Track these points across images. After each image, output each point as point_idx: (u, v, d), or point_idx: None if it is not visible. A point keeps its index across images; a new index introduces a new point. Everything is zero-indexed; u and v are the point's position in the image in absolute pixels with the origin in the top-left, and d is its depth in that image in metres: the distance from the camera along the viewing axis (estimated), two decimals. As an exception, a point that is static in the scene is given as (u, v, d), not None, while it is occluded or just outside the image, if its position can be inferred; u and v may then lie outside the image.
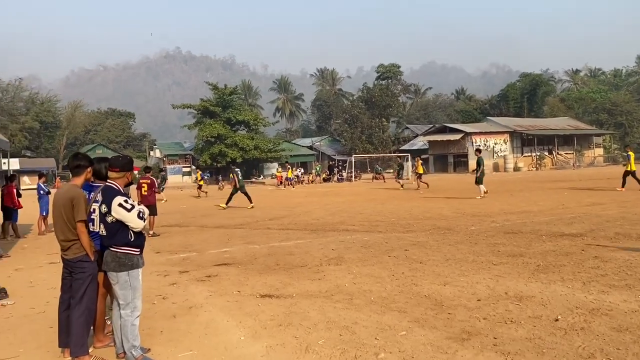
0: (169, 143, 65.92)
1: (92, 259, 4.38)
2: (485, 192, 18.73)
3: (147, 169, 13.91)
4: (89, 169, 4.62)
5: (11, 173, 14.27)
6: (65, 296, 4.50)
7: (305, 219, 14.60)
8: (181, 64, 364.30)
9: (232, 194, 19.87)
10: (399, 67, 75.54)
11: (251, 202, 19.09)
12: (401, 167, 30.17)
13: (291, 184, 37.36)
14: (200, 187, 30.56)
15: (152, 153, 62.47)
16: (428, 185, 26.07)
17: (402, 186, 27.28)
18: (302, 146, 63.96)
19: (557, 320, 4.76)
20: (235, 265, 8.10)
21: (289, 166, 40.48)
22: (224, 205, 19.53)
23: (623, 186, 18.77)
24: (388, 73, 74.14)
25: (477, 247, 8.81)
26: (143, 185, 12.85)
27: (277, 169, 41.65)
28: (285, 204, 20.95)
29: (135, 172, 8.58)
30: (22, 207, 13.41)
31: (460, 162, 51.75)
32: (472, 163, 49.15)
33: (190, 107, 51.90)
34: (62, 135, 65.27)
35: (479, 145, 45.58)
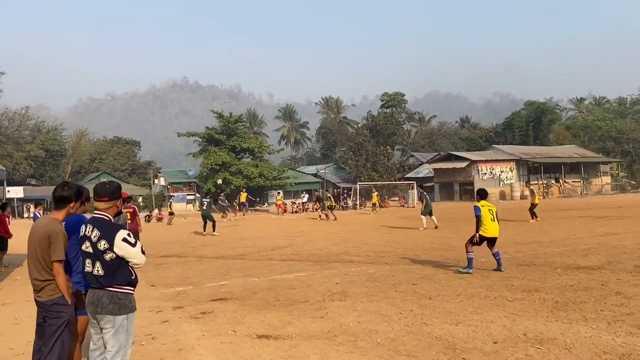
0: (174, 171, 65.75)
1: (69, 302, 3.95)
2: (435, 226, 19.09)
3: (127, 199, 13.45)
4: (72, 204, 4.21)
5: (3, 202, 14.01)
6: (40, 342, 4.06)
7: (308, 249, 14.12)
8: (188, 93, 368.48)
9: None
10: (403, 95, 75.59)
11: (213, 230, 20.40)
12: (321, 199, 30.59)
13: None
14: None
15: (156, 181, 62.28)
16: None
17: (322, 218, 28.00)
18: (307, 174, 63.63)
19: (585, 368, 4.28)
20: (233, 301, 7.62)
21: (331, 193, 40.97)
22: (217, 234, 20.37)
23: (534, 217, 20.09)
24: (392, 101, 74.17)
25: (489, 281, 8.33)
26: (126, 214, 12.44)
27: (278, 197, 41.09)
28: (287, 232, 20.48)
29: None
30: (11, 236, 13.01)
31: (467, 191, 51.18)
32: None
33: (196, 135, 51.86)
34: (67, 163, 65.30)
35: (424, 185, 45.23)
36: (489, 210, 9.24)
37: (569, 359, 4.51)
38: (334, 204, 29.09)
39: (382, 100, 76.16)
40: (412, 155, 71.22)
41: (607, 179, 57.09)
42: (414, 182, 46.10)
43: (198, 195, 53.39)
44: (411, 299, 7.23)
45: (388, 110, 72.85)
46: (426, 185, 49.84)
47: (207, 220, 20.68)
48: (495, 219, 9.24)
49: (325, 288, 8.27)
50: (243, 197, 35.25)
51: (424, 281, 8.52)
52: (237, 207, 33.19)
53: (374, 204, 35.86)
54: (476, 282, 8.25)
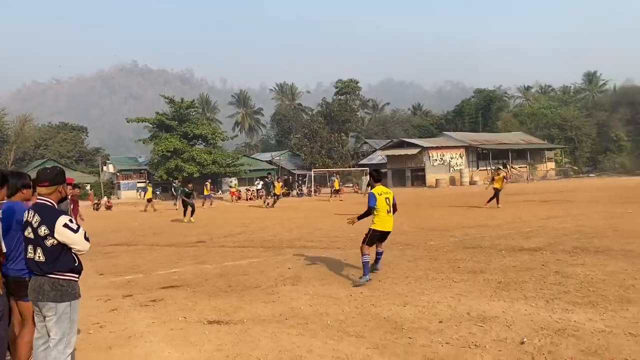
0: (123, 158, 64.09)
1: (1, 291, 3.82)
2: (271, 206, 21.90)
3: (75, 185, 13.04)
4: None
5: None
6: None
7: (262, 236, 14.12)
8: (138, 77, 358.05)
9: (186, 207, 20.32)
10: (357, 82, 76.00)
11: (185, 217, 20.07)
12: (268, 185, 28.89)
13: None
14: (150, 200, 29.90)
15: (105, 168, 60.48)
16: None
17: (266, 205, 27.18)
18: (262, 160, 63.30)
19: (522, 343, 4.50)
20: (184, 288, 7.56)
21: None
22: (190, 219, 19.96)
23: (497, 203, 19.63)
24: (347, 88, 74.50)
25: (436, 263, 8.58)
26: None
27: (231, 184, 40.52)
28: (242, 219, 20.39)
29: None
30: None
31: (418, 177, 52.26)
32: (430, 177, 49.83)
33: (146, 121, 50.53)
34: (10, 150, 62.45)
35: (372, 170, 46.20)
36: (386, 199, 7.49)
37: (509, 335, 4.73)
38: (279, 192, 28.11)
39: (336, 88, 76.34)
40: (365, 142, 71.97)
41: (551, 165, 59.43)
42: (368, 168, 46.62)
43: (149, 182, 52.31)
44: (362, 282, 7.37)
45: (342, 98, 73.13)
46: (382, 171, 50.58)
47: (188, 206, 20.16)
48: (392, 210, 7.60)
49: (278, 273, 8.31)
50: (208, 187, 34.61)
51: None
52: (205, 197, 32.57)
53: (336, 190, 35.27)
54: (424, 265, 8.49)
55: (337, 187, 35.37)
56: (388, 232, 7.70)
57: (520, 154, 56.29)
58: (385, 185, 8.05)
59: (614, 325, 4.89)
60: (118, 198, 50.75)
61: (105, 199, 38.51)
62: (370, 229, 7.52)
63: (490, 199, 19.89)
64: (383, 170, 54.19)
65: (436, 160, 51.51)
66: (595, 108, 71.92)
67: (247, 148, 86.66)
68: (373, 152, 64.40)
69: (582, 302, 5.75)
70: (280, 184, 30.25)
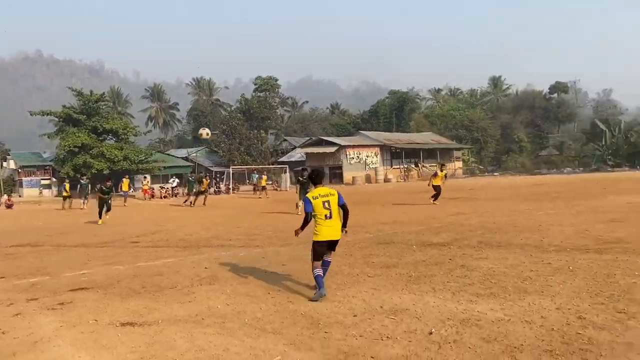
0: (26, 153, 59.78)
1: None
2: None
3: None
4: None
5: None
6: None
7: (178, 235, 13.81)
8: (42, 67, 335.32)
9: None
10: (276, 80, 76.07)
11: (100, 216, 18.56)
12: (192, 183, 28.64)
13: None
14: (65, 198, 28.28)
15: (5, 164, 56.21)
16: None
17: (190, 204, 26.03)
18: (177, 157, 61.58)
19: (430, 333, 4.78)
20: (95, 290, 7.27)
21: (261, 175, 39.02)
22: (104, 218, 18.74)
23: (432, 199, 20.07)
24: (266, 85, 74.32)
25: (351, 259, 8.84)
26: None
27: (144, 182, 38.96)
28: (157, 218, 19.79)
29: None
30: None
31: (336, 174, 53.16)
32: (347, 175, 50.88)
33: (51, 114, 47.52)
34: None
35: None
36: (325, 203, 6.42)
37: (418, 327, 5.00)
38: (205, 188, 26.99)
39: (255, 84, 75.86)
40: (285, 140, 72.12)
41: (459, 164, 62.64)
42: (287, 165, 46.83)
43: (54, 179, 49.33)
44: (280, 279, 7.45)
45: (262, 95, 72.84)
46: (299, 169, 50.81)
47: (104, 205, 18.72)
48: (332, 215, 6.43)
49: (194, 273, 8.20)
50: (125, 184, 32.96)
51: (293, 262, 8.79)
52: (124, 195, 30.99)
53: (263, 187, 35.19)
54: (340, 260, 8.70)
55: (264, 184, 35.44)
56: (334, 242, 6.55)
57: (430, 153, 58.84)
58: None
59: (512, 314, 5.30)
60: (20, 196, 47.36)
61: (5, 197, 35.84)
62: (312, 242, 6.51)
63: (436, 196, 20.14)
64: (301, 168, 54.70)
65: (353, 158, 52.65)
66: (500, 111, 76.76)
67: (162, 144, 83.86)
68: (292, 149, 64.68)
69: (485, 293, 6.18)
70: (208, 181, 29.10)
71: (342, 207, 6.60)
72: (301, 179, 18.76)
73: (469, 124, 66.97)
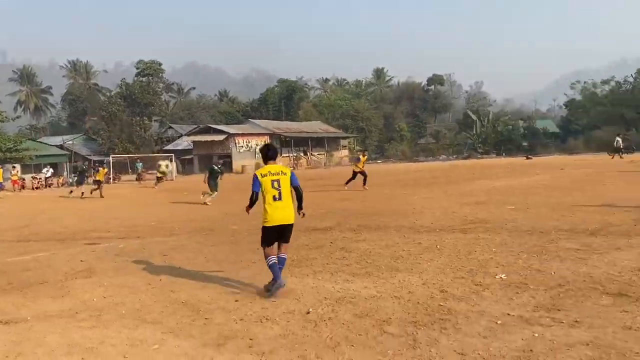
0: None
1: None
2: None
3: None
4: None
5: None
6: None
7: (51, 228, 12.94)
8: None
9: None
10: (160, 64, 73.04)
11: None
12: (83, 173, 27.39)
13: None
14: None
15: None
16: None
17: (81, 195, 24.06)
18: (51, 145, 57.06)
19: (308, 313, 5.01)
20: (-49, 290, 6.65)
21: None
22: None
23: (364, 184, 20.72)
24: (149, 70, 71.04)
25: (238, 247, 8.90)
26: None
27: (13, 172, 35.67)
28: (28, 211, 18.31)
29: None
30: None
31: (225, 163, 52.43)
32: (237, 164, 50.45)
33: None
34: None
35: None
36: (274, 182, 5.71)
37: (297, 307, 5.22)
38: (102, 178, 24.38)
39: (137, 68, 72.33)
40: (170, 127, 69.69)
41: (345, 152, 64.71)
42: (172, 154, 45.32)
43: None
44: (161, 269, 7.32)
45: (144, 79, 69.60)
46: (185, 157, 49.44)
47: None
48: (282, 196, 5.72)
49: (69, 267, 7.79)
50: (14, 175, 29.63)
51: (175, 252, 8.67)
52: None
53: (158, 178, 31.02)
54: (226, 249, 8.74)
55: (160, 174, 32.28)
56: (285, 227, 5.82)
57: (319, 142, 60.16)
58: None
59: (384, 290, 5.71)
60: None
61: None
62: (261, 228, 5.88)
63: (364, 180, 20.02)
64: (189, 157, 53.25)
65: (242, 146, 52.28)
66: (383, 101, 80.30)
67: (33, 131, 77.19)
68: (179, 137, 62.71)
69: (361, 272, 6.57)
70: (105, 170, 26.39)
71: (296, 189, 5.91)
72: (216, 167, 18.52)
73: (355, 114, 69.29)
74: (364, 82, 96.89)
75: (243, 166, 49.10)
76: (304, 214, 6.12)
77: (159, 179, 29.74)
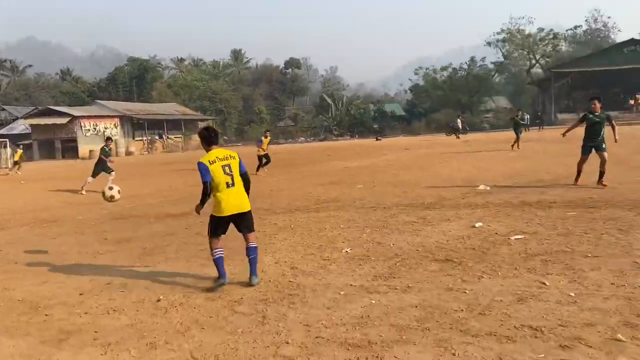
0: None
1: None
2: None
3: None
4: None
5: None
6: None
7: None
8: None
9: None
10: (-12, 38, 64.77)
11: None
12: None
13: None
14: None
15: None
16: None
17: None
18: None
19: (159, 300, 4.94)
20: None
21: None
22: None
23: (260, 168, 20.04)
24: (-27, 44, 62.64)
25: (83, 238, 8.41)
26: None
27: None
28: None
29: None
30: None
31: (69, 148, 48.42)
32: (83, 149, 46.80)
33: None
34: None
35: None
36: (225, 167, 5.20)
37: (147, 296, 5.10)
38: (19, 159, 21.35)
39: (-43, 42, 63.31)
40: (3, 109, 62.39)
41: (204, 135, 63.31)
42: (7, 139, 40.65)
43: None
44: (-7, 267, 6.68)
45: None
46: (22, 143, 44.65)
47: None
48: (234, 182, 5.23)
49: None
50: None
51: (10, 246, 7.95)
52: None
53: (16, 162, 28.51)
54: (71, 240, 8.21)
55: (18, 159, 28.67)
56: (242, 215, 5.31)
57: (175, 125, 58.04)
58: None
59: (237, 272, 5.79)
60: None
61: None
62: (210, 215, 5.41)
63: (265, 163, 19.05)
64: (27, 142, 48.19)
65: (89, 130, 48.67)
66: (241, 83, 79.67)
67: None
68: (14, 120, 56.39)
69: (176, 257, 6.59)
70: (21, 151, 23.31)
71: (243, 176, 5.35)
72: (107, 148, 16.40)
73: (213, 95, 67.92)
74: (221, 63, 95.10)
75: (90, 151, 45.73)
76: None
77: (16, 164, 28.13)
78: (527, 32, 61.86)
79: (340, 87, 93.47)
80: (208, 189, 5.17)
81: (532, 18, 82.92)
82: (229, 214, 5.22)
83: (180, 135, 57.73)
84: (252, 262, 5.34)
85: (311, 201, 10.91)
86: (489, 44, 63.24)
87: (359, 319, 4.12)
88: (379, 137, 47.10)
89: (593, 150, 10.15)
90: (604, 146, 10.05)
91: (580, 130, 10.62)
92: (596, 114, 10.09)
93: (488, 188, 10.87)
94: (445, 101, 60.38)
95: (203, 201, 5.30)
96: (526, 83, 63.83)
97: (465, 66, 64.12)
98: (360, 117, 65.42)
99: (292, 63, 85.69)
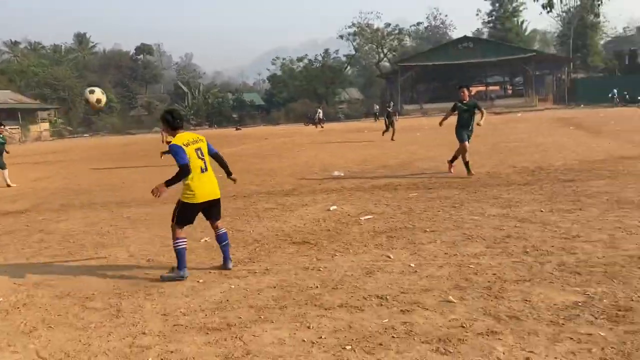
0: None
1: None
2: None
3: None
4: None
5: None
6: None
7: None
8: None
9: None
10: None
11: None
12: None
13: None
14: None
15: None
16: None
17: None
18: None
19: (-3, 302, 4.53)
20: None
21: None
22: None
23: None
24: None
25: None
26: None
27: None
28: None
29: None
30: None
31: None
32: None
33: None
34: None
35: None
36: (198, 150, 4.90)
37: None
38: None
39: None
40: None
41: (45, 125, 57.80)
42: None
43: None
44: None
45: None
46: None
47: None
48: (207, 167, 4.98)
49: None
50: None
51: None
52: None
53: None
54: None
55: None
56: (214, 202, 5.04)
57: (10, 114, 52.05)
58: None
59: (87, 269, 5.50)
60: None
61: None
62: (179, 202, 4.99)
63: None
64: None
65: None
66: (87, 69, 73.83)
67: None
68: None
69: (62, 253, 6.18)
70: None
71: (215, 156, 5.18)
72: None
73: (55, 83, 62.15)
74: (63, 47, 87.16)
75: None
76: (235, 179, 5.58)
77: None
78: (375, 27, 65.63)
79: (197, 74, 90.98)
80: (189, 171, 4.78)
81: (379, 13, 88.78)
82: (204, 201, 4.93)
83: (17, 127, 52.03)
84: (226, 247, 5.16)
85: (169, 193, 10.59)
86: (341, 37, 65.92)
87: (218, 304, 4.17)
88: (238, 127, 46.95)
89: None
90: (470, 137, 10.25)
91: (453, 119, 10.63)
92: (464, 102, 10.19)
93: (342, 174, 11.47)
94: (303, 91, 61.84)
95: (171, 183, 4.83)
96: (375, 75, 67.74)
97: (320, 58, 66.18)
98: (219, 106, 64.47)
99: (144, 49, 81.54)
